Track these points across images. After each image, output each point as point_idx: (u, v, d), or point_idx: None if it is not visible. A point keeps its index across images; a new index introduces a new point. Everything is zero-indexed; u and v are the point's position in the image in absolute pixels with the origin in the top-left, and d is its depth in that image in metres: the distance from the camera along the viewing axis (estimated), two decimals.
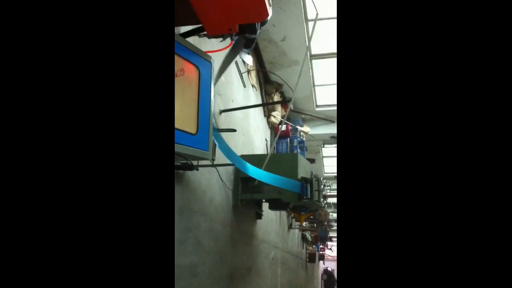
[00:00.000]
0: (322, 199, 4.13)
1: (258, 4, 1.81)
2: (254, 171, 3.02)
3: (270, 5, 1.91)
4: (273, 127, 6.28)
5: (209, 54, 2.02)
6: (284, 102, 5.79)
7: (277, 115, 6.03)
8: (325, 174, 9.79)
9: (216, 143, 2.38)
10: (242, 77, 4.49)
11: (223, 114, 3.78)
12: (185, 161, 2.02)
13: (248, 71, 4.80)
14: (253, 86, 5.04)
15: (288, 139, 6.24)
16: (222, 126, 3.65)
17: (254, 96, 5.11)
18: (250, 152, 4.81)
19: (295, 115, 6.84)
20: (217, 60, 2.27)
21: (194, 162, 2.31)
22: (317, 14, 3.88)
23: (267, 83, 5.82)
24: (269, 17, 1.90)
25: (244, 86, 4.60)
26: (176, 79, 1.68)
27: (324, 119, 6.83)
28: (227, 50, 2.34)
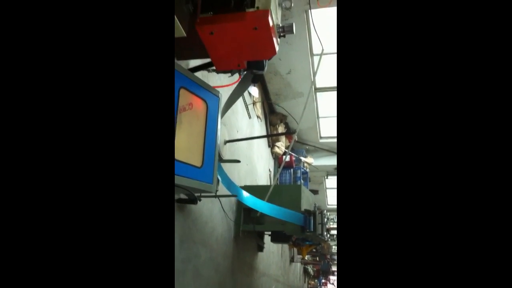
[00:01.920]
0: (325, 232, 4.06)
1: (267, 42, 1.88)
2: (256, 203, 3.00)
3: (278, 44, 1.98)
4: (276, 158, 6.29)
5: (217, 88, 2.07)
6: (289, 133, 5.84)
7: (281, 145, 6.07)
8: (328, 206, 9.68)
9: (219, 178, 2.39)
10: (248, 108, 4.56)
11: (227, 143, 3.81)
12: (188, 193, 2.02)
13: (254, 102, 4.88)
14: (258, 116, 5.11)
15: (292, 169, 6.24)
16: (226, 156, 3.66)
17: (258, 127, 5.16)
18: (253, 182, 4.79)
19: (299, 146, 6.87)
20: (225, 94, 2.33)
21: (196, 193, 2.31)
22: (322, 49, 3.99)
23: (272, 114, 5.89)
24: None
25: (249, 117, 4.66)
26: (184, 113, 1.72)
27: (328, 150, 6.85)
28: (235, 85, 2.40)
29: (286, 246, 6.97)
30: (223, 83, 2.39)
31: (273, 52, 1.95)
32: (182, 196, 2.24)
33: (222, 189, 2.96)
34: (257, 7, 1.77)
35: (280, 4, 2.15)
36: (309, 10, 4.50)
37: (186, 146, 1.76)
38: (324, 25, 4.69)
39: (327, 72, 5.42)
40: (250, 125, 4.73)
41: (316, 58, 4.96)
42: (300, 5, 4.24)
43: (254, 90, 3.66)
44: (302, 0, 4.02)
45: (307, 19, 4.68)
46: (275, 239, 4.47)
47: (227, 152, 3.80)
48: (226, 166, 2.84)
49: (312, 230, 3.68)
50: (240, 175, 4.20)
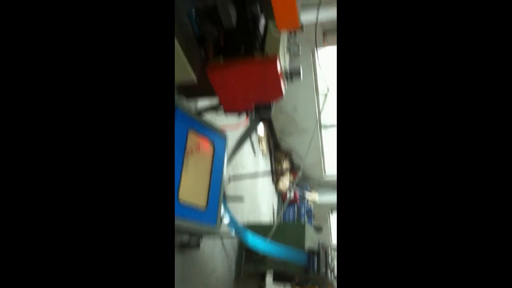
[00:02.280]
0: (330, 272, 3.93)
1: (275, 87, 1.92)
2: (259, 244, 2.93)
3: (285, 87, 2.02)
4: (280, 194, 6.22)
5: (225, 127, 2.09)
6: (293, 169, 5.82)
7: (286, 181, 6.02)
8: (333, 243, 9.43)
9: (226, 217, 2.34)
10: (253, 145, 4.57)
11: (231, 180, 3.79)
12: (190, 236, 1.98)
13: (259, 139, 4.90)
14: (262, 152, 5.12)
15: (296, 205, 6.14)
16: (229, 192, 3.63)
17: (263, 162, 5.15)
18: (256, 218, 4.71)
19: (304, 181, 6.81)
20: (231, 133, 2.34)
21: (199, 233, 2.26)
22: (328, 89, 4.07)
23: (277, 150, 5.90)
24: None
25: (254, 153, 4.67)
26: (191, 155, 1.72)
27: (333, 186, 6.78)
28: (242, 124, 2.42)
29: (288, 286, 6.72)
30: (230, 122, 2.42)
31: (280, 95, 1.99)
32: (184, 239, 2.19)
33: (224, 227, 2.90)
34: (266, 53, 1.83)
35: (288, 49, 2.22)
36: (315, 49, 4.63)
37: (191, 187, 1.75)
38: (330, 63, 4.80)
39: (332, 109, 5.48)
40: (255, 162, 4.73)
41: (321, 95, 5.04)
42: (306, 45, 4.37)
43: (259, 127, 3.69)
44: (308, 40, 4.13)
45: (313, 57, 4.82)
46: (277, 278, 4.32)
47: (231, 188, 3.77)
48: (229, 203, 2.81)
49: (316, 270, 3.56)
50: (243, 212, 4.14)
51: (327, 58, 4.81)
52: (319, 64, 4.69)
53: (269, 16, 1.46)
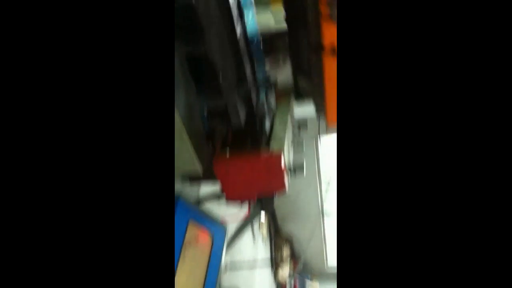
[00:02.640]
0: None
1: (278, 180, 1.95)
2: None
3: (288, 181, 2.06)
4: (279, 284, 5.85)
5: (225, 217, 2.07)
6: (294, 257, 5.57)
7: (285, 269, 5.71)
8: None
9: None
10: (253, 230, 4.47)
11: (227, 267, 3.61)
12: None
13: (259, 224, 4.81)
14: (262, 237, 4.97)
15: None
16: (224, 283, 3.43)
17: (262, 248, 4.96)
18: None
19: (305, 271, 6.45)
20: (232, 224, 2.32)
21: None
22: (331, 178, 4.11)
23: (277, 236, 5.73)
24: None
25: (254, 237, 4.53)
26: (189, 247, 1.68)
27: (335, 276, 6.39)
28: (243, 212, 2.41)
29: None
30: (231, 211, 2.41)
31: (283, 188, 2.01)
32: None
33: None
34: (272, 148, 1.91)
35: (293, 143, 2.32)
36: (318, 137, 4.79)
37: (186, 281, 1.67)
38: (333, 151, 4.92)
39: (336, 198, 5.45)
40: (254, 249, 4.56)
41: (324, 183, 5.07)
42: (309, 132, 4.54)
43: (261, 214, 3.65)
44: (312, 128, 4.30)
45: (316, 145, 4.96)
46: None
47: (226, 278, 3.57)
48: None
49: None
50: None
51: (330, 146, 4.96)
52: (322, 152, 4.83)
53: (321, 113, 1.58)
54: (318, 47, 1.57)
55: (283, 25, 1.89)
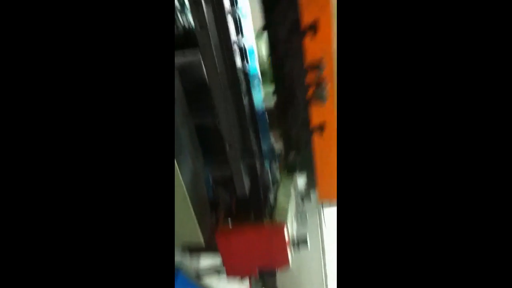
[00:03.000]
0: None
1: (281, 254, 1.88)
2: None
3: (292, 255, 1.97)
4: None
5: None
6: None
7: None
8: None
9: None
10: None
11: None
12: None
13: None
14: None
15: None
16: None
17: None
18: None
19: None
20: None
21: None
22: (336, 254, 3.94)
23: None
24: None
25: None
26: None
27: None
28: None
29: None
30: (232, 286, 2.28)
31: (286, 263, 1.93)
32: None
33: None
34: (275, 220, 1.87)
35: (296, 216, 2.28)
36: (321, 208, 4.71)
37: None
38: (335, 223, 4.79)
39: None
40: None
41: (327, 257, 4.85)
42: (313, 203, 4.48)
43: None
44: (315, 199, 4.26)
45: (319, 217, 4.85)
46: None
47: None
48: None
49: None
50: None
51: (334, 218, 4.85)
52: (326, 224, 4.70)
53: (312, 187, 1.66)
54: (306, 125, 1.64)
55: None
